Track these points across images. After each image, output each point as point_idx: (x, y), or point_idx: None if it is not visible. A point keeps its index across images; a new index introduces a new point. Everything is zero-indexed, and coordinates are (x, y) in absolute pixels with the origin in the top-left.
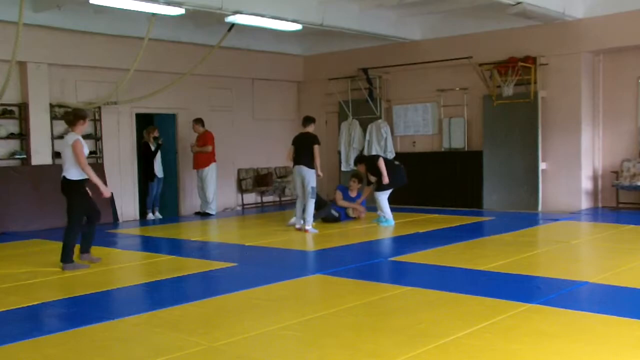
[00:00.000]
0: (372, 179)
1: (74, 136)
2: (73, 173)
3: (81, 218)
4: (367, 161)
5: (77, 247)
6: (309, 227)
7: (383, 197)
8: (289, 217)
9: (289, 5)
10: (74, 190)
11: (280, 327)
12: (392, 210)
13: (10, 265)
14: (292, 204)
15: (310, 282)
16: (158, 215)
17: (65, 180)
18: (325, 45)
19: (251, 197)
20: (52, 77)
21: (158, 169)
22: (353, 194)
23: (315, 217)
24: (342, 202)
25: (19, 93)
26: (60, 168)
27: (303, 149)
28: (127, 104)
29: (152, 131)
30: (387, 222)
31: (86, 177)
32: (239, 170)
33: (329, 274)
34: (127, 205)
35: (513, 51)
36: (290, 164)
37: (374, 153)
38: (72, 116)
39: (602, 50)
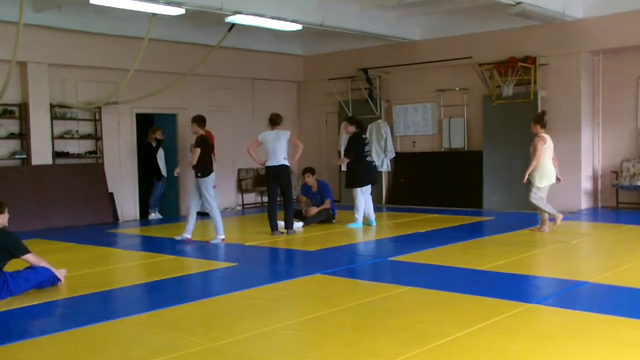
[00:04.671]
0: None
1: (287, 131)
2: (286, 160)
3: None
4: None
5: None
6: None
7: (358, 194)
8: None
9: (289, 5)
10: (289, 174)
11: (280, 327)
12: (392, 210)
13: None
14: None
15: (310, 282)
16: (158, 215)
17: (284, 167)
18: (325, 45)
19: (251, 197)
20: (52, 77)
21: (163, 168)
22: (314, 189)
23: (309, 222)
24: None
25: (19, 93)
26: (60, 168)
27: None
28: (127, 104)
29: (155, 132)
30: (355, 224)
31: None
32: (239, 170)
33: (329, 274)
34: (127, 205)
35: (513, 51)
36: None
37: (374, 153)
38: (280, 118)
39: (602, 50)
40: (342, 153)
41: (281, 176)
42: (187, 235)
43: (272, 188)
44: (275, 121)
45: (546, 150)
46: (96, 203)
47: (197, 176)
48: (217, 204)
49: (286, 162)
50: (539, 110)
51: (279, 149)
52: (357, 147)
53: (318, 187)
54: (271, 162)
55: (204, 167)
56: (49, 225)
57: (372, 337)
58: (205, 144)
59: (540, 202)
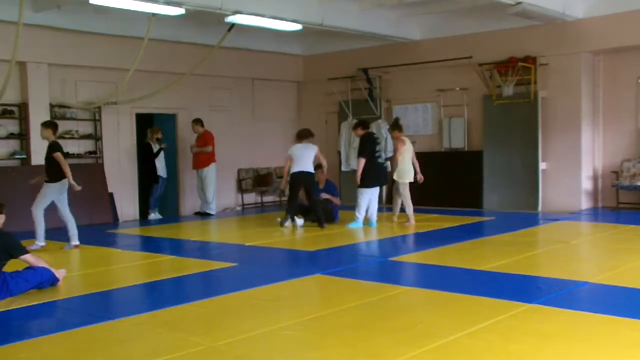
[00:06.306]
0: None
1: (315, 146)
2: (312, 168)
3: None
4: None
5: None
6: None
7: (363, 193)
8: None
9: (289, 5)
10: (314, 180)
11: (280, 327)
12: (392, 210)
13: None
14: None
15: (310, 282)
16: (158, 215)
17: (312, 173)
18: (325, 45)
19: (251, 197)
20: (52, 77)
21: (161, 170)
22: (321, 185)
23: (314, 207)
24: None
25: (19, 93)
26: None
27: None
28: (127, 104)
29: (156, 132)
30: (355, 223)
31: None
32: (239, 170)
33: (329, 274)
34: (127, 205)
35: (513, 51)
36: None
37: None
38: (305, 131)
39: (602, 50)
40: (344, 155)
41: (309, 180)
42: (40, 242)
43: (297, 189)
44: (302, 135)
45: (406, 151)
46: (96, 203)
47: (45, 180)
48: (69, 210)
49: (312, 170)
50: (539, 110)
51: (307, 157)
52: (370, 147)
53: (325, 185)
54: (300, 168)
55: (54, 173)
56: (49, 225)
57: (372, 337)
58: (60, 149)
59: (406, 198)
